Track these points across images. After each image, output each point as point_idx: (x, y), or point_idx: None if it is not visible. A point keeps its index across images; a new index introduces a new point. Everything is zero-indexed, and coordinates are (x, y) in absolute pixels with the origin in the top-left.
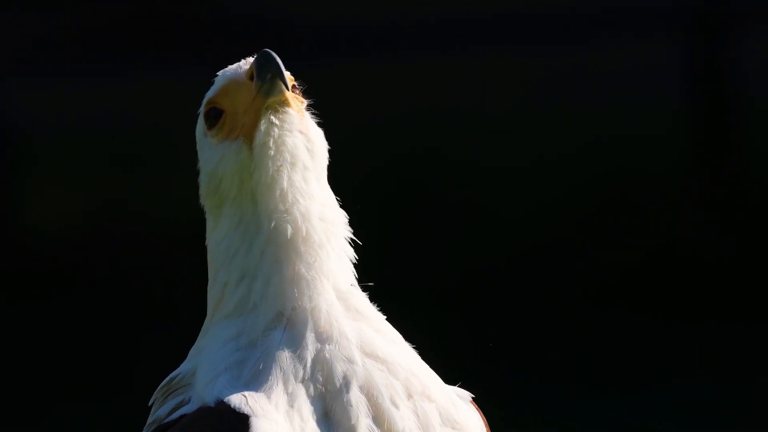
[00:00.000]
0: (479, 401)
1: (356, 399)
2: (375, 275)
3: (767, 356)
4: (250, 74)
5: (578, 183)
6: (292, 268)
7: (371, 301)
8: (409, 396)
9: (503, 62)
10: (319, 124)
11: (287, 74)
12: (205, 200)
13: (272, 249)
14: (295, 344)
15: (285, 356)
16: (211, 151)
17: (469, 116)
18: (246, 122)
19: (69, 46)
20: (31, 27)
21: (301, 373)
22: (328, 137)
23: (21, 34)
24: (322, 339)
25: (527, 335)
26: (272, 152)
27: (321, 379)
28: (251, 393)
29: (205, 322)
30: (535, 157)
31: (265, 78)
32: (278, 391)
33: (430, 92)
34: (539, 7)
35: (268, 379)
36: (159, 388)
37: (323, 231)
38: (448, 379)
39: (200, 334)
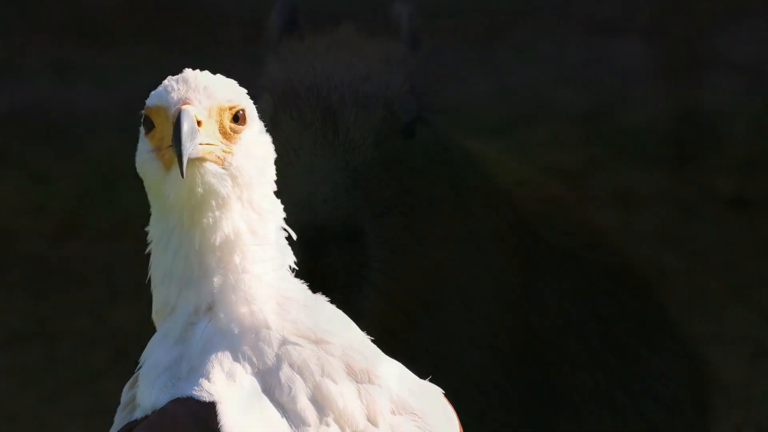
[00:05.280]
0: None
1: (289, 375)
2: None
3: None
4: (173, 118)
5: None
6: (205, 268)
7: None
8: (350, 374)
9: None
10: None
11: (210, 120)
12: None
13: (184, 252)
14: (222, 334)
15: (216, 344)
16: (141, 143)
17: None
18: (165, 156)
19: None
20: None
21: (235, 356)
22: None
23: None
24: (250, 328)
25: None
26: (183, 197)
27: (255, 360)
28: (198, 381)
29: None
30: None
31: (172, 148)
32: (219, 376)
33: None
34: None
35: (206, 368)
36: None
37: (239, 239)
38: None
39: None
